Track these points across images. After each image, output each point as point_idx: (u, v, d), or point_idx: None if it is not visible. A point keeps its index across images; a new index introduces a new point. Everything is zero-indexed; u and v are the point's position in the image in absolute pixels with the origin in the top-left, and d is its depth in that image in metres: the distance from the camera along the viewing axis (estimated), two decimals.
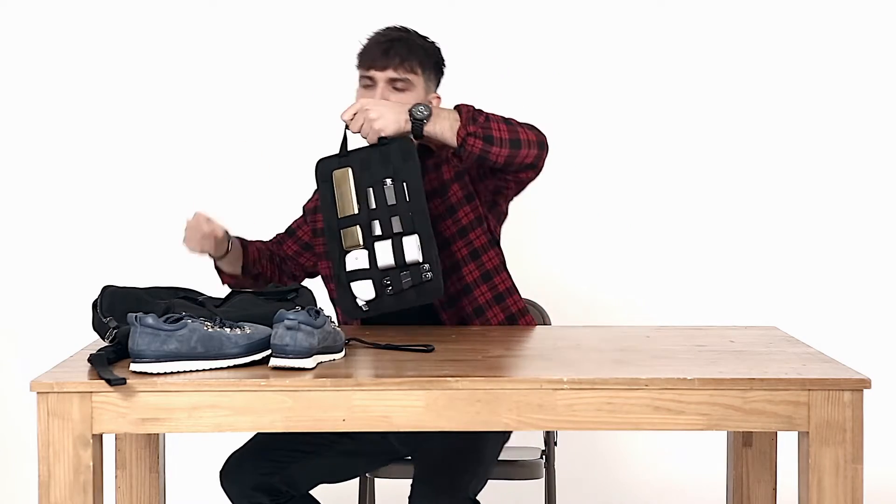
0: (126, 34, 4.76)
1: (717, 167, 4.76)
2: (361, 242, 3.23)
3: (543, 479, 3.57)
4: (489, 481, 3.27)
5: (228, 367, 2.62)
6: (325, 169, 3.29)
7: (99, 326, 2.80)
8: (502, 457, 3.55)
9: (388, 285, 3.21)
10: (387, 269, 3.22)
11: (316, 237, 3.53)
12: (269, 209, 4.78)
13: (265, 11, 4.73)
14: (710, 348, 2.89)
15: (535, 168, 3.27)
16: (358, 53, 3.42)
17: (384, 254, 3.22)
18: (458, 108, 3.20)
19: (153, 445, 3.08)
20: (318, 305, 2.87)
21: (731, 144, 4.77)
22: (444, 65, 3.46)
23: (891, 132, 4.77)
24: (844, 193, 4.77)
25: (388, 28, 3.47)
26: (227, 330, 2.64)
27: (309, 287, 3.06)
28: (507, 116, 3.24)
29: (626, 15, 4.74)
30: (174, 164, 4.80)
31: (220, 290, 3.38)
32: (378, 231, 3.23)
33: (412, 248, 3.20)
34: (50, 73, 4.75)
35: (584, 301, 4.71)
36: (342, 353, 2.76)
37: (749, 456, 3.17)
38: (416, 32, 3.46)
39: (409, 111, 3.18)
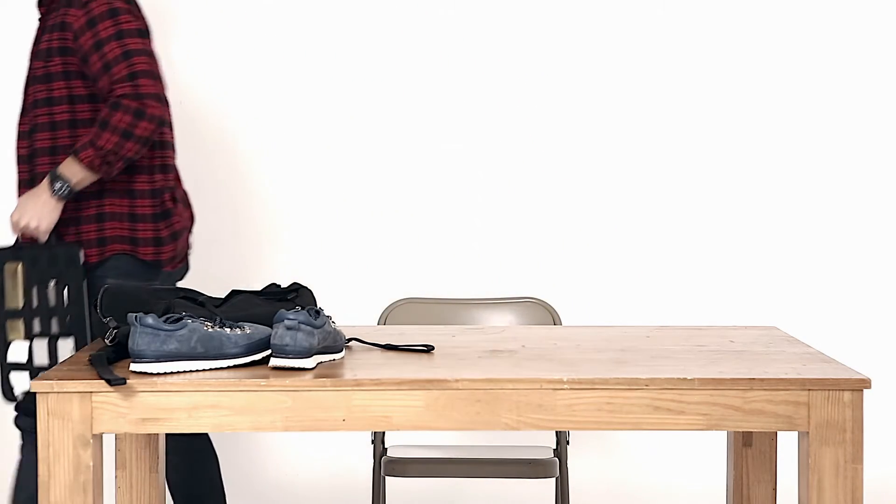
0: None
1: (717, 168, 4.76)
2: (23, 336, 3.43)
3: (552, 477, 3.57)
4: (499, 480, 3.27)
5: (228, 367, 2.62)
6: None
7: (99, 326, 2.80)
8: (515, 455, 3.55)
9: None
10: (42, 368, 3.40)
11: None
12: (268, 208, 4.79)
13: (263, 11, 4.73)
14: (710, 348, 2.89)
15: (147, 144, 3.49)
16: None
17: (40, 353, 3.43)
18: (76, 155, 3.40)
19: (153, 445, 3.07)
20: (318, 305, 2.86)
21: (731, 145, 4.76)
22: None
23: (891, 132, 4.76)
24: (844, 193, 4.77)
25: None
26: (227, 330, 2.64)
27: (309, 287, 3.06)
28: (105, 120, 3.42)
29: (627, 15, 4.74)
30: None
31: (220, 290, 3.38)
32: (37, 329, 3.42)
33: (66, 351, 3.39)
34: None
35: (585, 301, 4.70)
36: (342, 353, 2.77)
37: (749, 456, 3.16)
38: None
39: (55, 193, 3.40)
